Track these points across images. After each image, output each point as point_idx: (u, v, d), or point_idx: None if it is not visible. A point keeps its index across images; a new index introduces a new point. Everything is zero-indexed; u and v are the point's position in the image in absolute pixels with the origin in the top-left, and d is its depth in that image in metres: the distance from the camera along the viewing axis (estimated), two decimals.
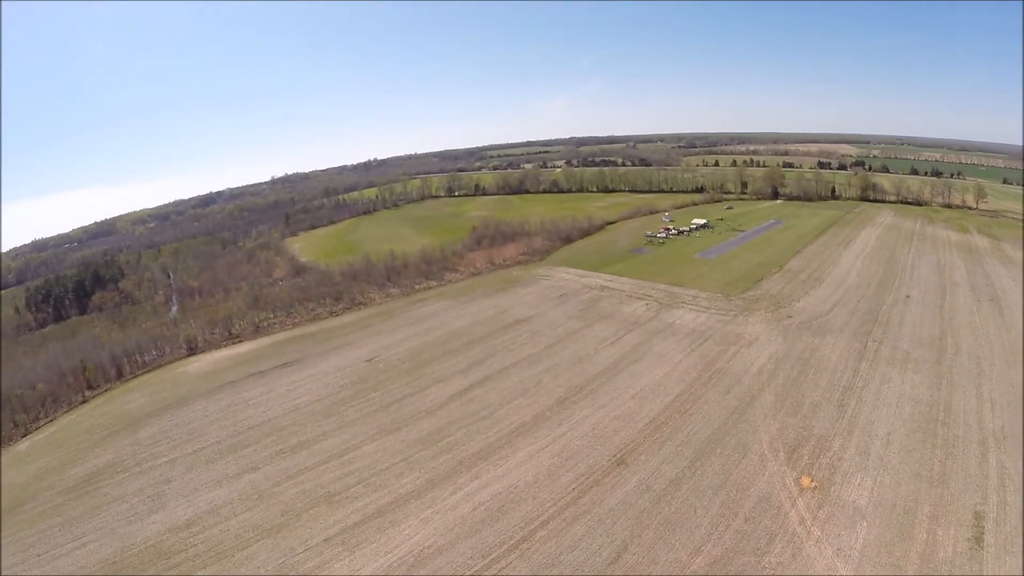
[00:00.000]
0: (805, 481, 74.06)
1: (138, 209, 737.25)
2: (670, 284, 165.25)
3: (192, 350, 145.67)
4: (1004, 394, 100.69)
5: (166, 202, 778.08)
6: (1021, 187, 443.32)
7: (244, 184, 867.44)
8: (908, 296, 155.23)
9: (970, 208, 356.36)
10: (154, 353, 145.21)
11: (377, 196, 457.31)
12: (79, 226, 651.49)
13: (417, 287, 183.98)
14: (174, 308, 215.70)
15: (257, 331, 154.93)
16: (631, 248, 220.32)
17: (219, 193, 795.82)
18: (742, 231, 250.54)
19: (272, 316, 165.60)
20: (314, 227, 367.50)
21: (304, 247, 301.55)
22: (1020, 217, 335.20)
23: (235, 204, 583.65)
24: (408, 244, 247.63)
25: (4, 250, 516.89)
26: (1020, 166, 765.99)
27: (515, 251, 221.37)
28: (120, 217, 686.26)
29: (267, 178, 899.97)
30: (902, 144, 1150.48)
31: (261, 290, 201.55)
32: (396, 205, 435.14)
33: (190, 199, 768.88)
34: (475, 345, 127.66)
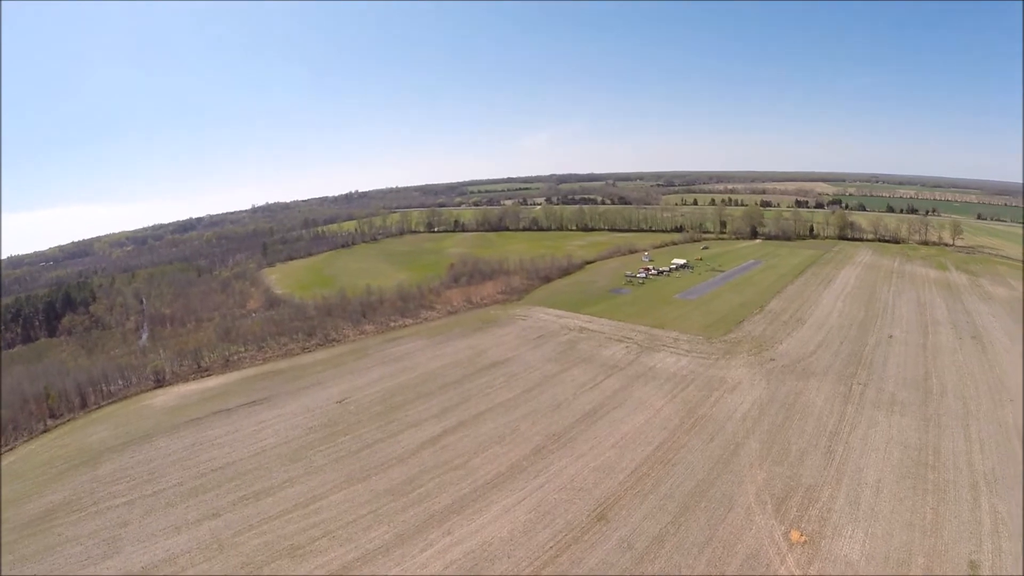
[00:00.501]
0: (795, 535, 72.31)
1: (117, 231, 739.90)
2: (650, 326, 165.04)
3: (159, 382, 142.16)
4: (992, 434, 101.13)
5: (145, 225, 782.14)
6: (1021, 225, 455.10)
7: (225, 211, 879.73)
8: (891, 336, 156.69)
9: (947, 244, 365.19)
10: (120, 383, 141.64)
11: (356, 229, 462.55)
12: (56, 244, 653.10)
13: (392, 325, 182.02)
14: (144, 336, 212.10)
15: (227, 365, 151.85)
16: (610, 288, 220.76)
17: (199, 219, 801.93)
18: (722, 271, 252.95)
19: (243, 350, 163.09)
20: (292, 258, 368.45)
21: (280, 279, 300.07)
22: (996, 252, 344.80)
23: (214, 231, 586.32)
24: (385, 279, 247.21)
25: None
26: (992, 202, 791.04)
27: (493, 290, 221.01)
28: (98, 238, 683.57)
29: (248, 206, 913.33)
30: (877, 182, 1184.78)
31: (234, 322, 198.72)
32: (375, 239, 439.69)
33: (170, 223, 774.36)
34: (450, 388, 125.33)
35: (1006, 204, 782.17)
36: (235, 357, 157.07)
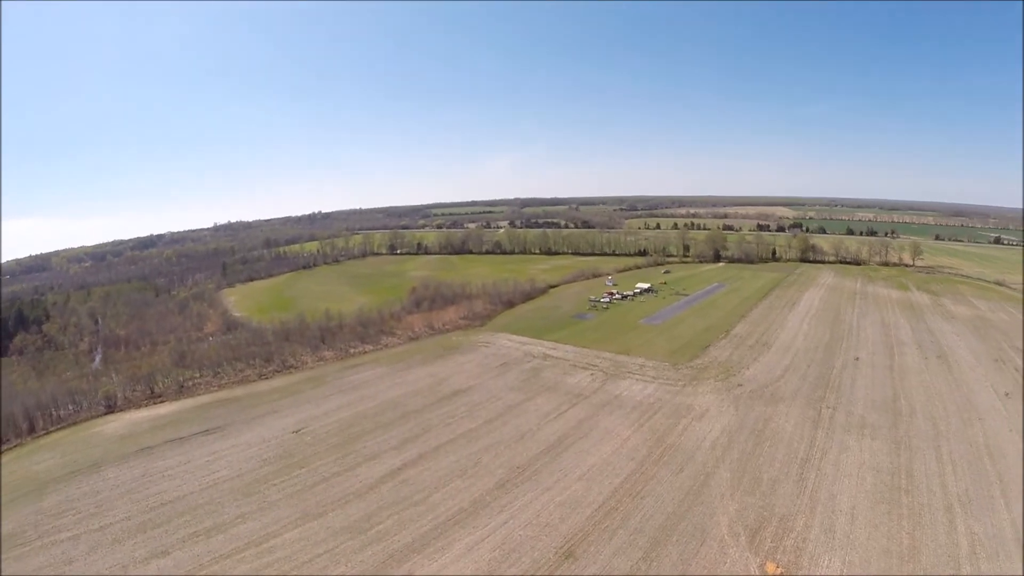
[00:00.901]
0: (770, 568, 70.24)
1: (76, 246, 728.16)
2: (615, 352, 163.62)
3: (110, 408, 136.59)
4: (964, 454, 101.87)
5: (105, 241, 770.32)
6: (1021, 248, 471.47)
7: (187, 228, 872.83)
8: (857, 358, 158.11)
9: (907, 265, 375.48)
10: (71, 408, 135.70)
11: (318, 250, 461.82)
12: (13, 258, 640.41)
13: (352, 351, 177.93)
14: (97, 359, 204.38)
15: (181, 391, 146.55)
16: (574, 313, 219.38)
17: (160, 236, 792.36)
18: (686, 295, 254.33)
19: (198, 375, 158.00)
20: (252, 279, 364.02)
21: (239, 300, 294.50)
22: (956, 271, 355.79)
23: (174, 249, 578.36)
24: (346, 303, 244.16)
25: None
26: (948, 223, 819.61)
27: (455, 315, 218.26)
28: (57, 252, 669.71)
29: (210, 224, 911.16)
30: (836, 205, 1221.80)
31: (189, 345, 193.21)
32: (337, 260, 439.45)
33: (130, 240, 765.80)
34: (410, 418, 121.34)
35: (962, 225, 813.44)
36: (189, 383, 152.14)
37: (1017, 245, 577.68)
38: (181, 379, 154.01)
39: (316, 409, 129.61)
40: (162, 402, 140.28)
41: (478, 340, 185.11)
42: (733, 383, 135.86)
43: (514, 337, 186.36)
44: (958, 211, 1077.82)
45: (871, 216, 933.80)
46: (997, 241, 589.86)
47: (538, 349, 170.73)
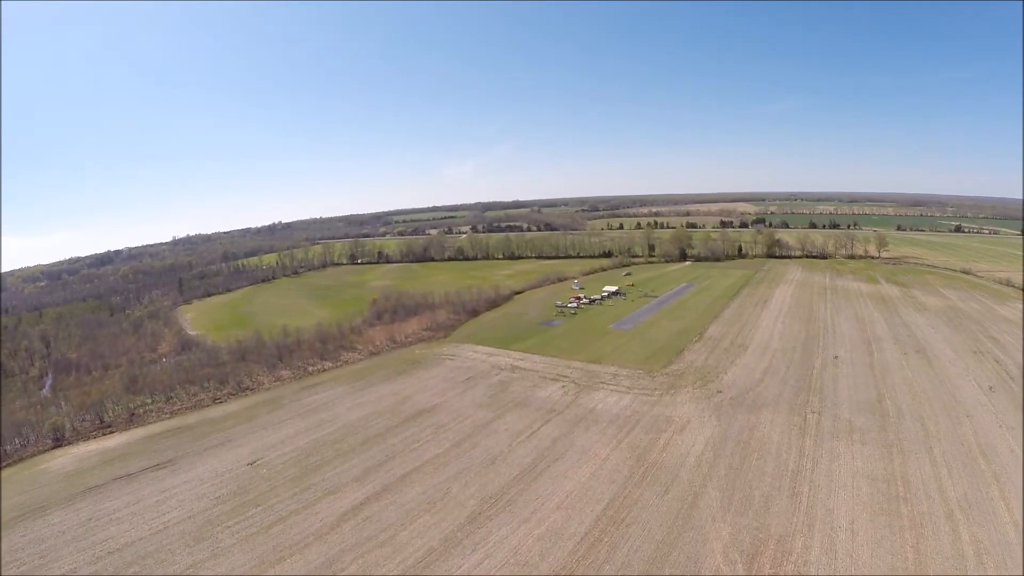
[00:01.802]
0: None
1: (32, 264, 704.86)
2: (587, 361, 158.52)
3: (58, 441, 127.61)
4: (957, 455, 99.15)
5: (62, 258, 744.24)
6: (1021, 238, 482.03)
7: (145, 243, 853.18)
8: (836, 357, 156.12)
9: (873, 257, 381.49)
10: (17, 442, 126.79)
11: (277, 262, 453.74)
12: None
13: (311, 369, 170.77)
14: (47, 385, 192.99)
15: (131, 419, 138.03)
16: (541, 320, 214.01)
17: (118, 252, 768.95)
18: (655, 297, 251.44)
19: (150, 401, 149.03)
20: (209, 295, 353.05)
21: (196, 317, 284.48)
22: (921, 262, 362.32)
23: (131, 265, 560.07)
24: (305, 317, 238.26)
25: None
26: (908, 213, 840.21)
27: (418, 326, 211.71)
28: (12, 272, 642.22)
29: (169, 238, 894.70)
30: (796, 200, 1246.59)
31: (142, 368, 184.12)
32: (296, 272, 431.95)
33: (87, 256, 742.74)
34: (372, 444, 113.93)
35: (921, 214, 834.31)
36: (141, 410, 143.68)
37: (978, 232, 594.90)
38: (132, 406, 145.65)
39: (272, 436, 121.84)
40: (112, 433, 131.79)
41: (442, 352, 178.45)
42: (712, 390, 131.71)
43: (480, 348, 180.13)
44: (916, 201, 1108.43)
45: (832, 209, 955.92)
46: (958, 229, 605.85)
47: (505, 360, 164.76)
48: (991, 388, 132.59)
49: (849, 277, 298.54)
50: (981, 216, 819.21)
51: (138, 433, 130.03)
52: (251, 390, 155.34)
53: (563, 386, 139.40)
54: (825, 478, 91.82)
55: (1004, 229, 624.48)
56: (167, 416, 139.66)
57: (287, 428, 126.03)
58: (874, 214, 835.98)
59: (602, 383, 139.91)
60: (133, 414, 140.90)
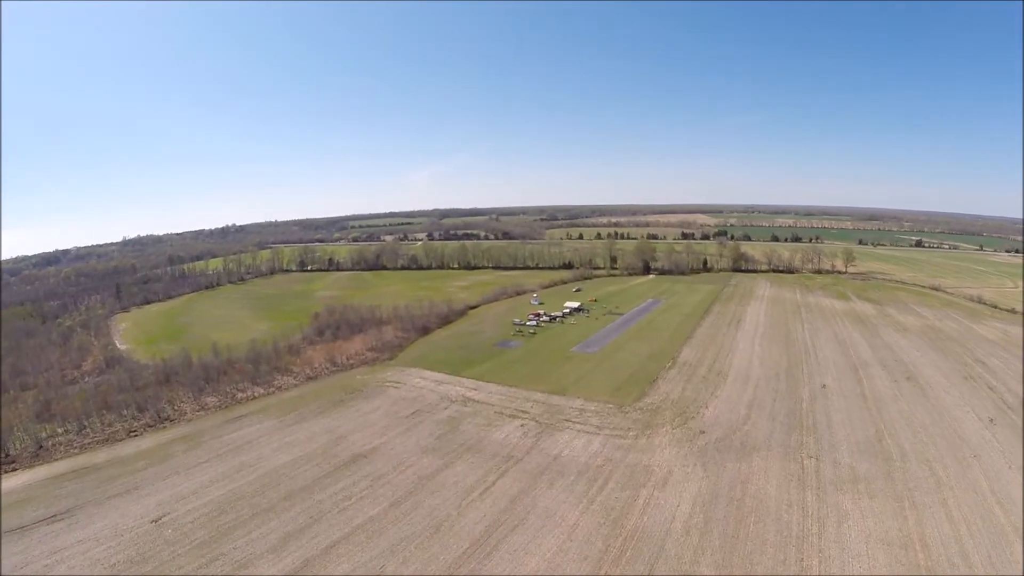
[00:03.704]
0: None
1: None
2: (549, 392, 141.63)
3: None
4: (973, 507, 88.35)
5: (8, 257, 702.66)
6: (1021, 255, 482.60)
7: (94, 243, 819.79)
8: (824, 386, 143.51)
9: (840, 272, 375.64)
10: None
11: (223, 268, 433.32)
12: None
13: (240, 396, 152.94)
14: None
15: (38, 454, 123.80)
16: (497, 341, 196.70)
17: (65, 252, 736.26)
18: (621, 314, 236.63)
19: (61, 431, 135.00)
20: (149, 302, 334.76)
21: (130, 328, 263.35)
22: (889, 277, 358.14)
23: (74, 267, 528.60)
24: (243, 331, 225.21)
25: None
26: (865, 227, 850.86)
27: (362, 345, 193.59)
28: None
29: (119, 238, 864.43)
30: (753, 212, 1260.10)
31: (58, 390, 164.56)
32: (242, 279, 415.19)
33: (33, 256, 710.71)
34: (296, 500, 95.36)
35: (879, 229, 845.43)
36: (50, 442, 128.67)
37: (939, 247, 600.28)
38: (42, 436, 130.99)
39: (185, 484, 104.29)
40: (15, 470, 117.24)
41: (386, 379, 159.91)
42: (693, 429, 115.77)
43: (428, 374, 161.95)
44: (872, 215, 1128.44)
45: (791, 221, 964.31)
46: (919, 244, 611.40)
47: (456, 390, 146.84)
48: (992, 420, 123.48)
49: (820, 293, 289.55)
50: (938, 231, 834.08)
51: (40, 472, 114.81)
52: (171, 421, 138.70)
53: (522, 424, 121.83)
54: (835, 545, 77.26)
55: (962, 244, 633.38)
56: (76, 451, 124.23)
57: (203, 473, 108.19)
58: (833, 228, 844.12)
59: (567, 421, 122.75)
60: (41, 447, 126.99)
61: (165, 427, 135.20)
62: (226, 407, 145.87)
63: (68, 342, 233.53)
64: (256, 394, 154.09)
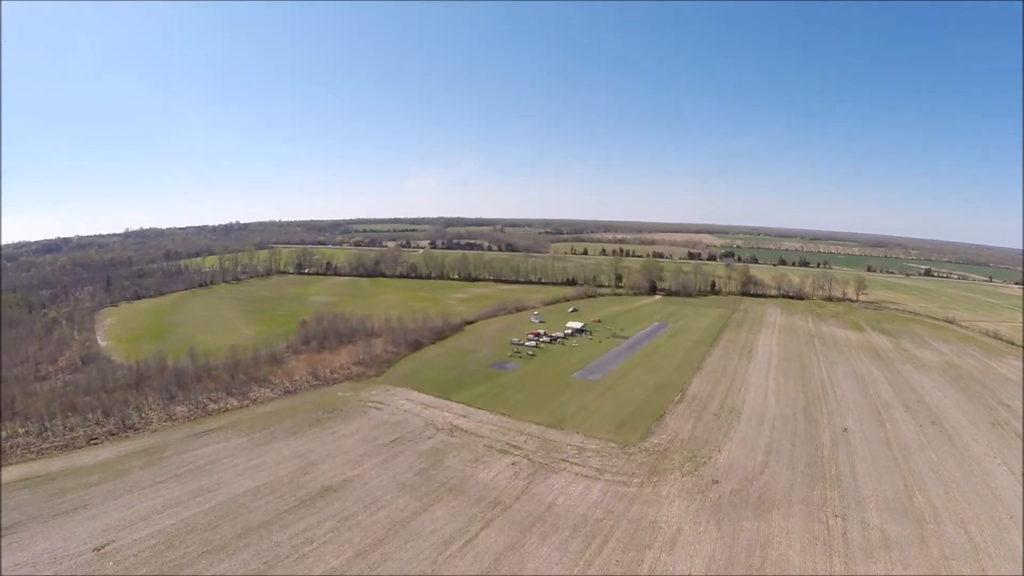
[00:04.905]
0: None
1: None
2: (545, 424, 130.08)
3: None
4: None
5: (9, 242, 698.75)
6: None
7: (96, 233, 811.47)
8: (845, 429, 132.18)
9: (851, 300, 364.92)
10: None
11: (219, 266, 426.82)
12: None
13: (211, 406, 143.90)
14: None
15: None
16: (493, 362, 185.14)
17: (66, 240, 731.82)
18: (626, 337, 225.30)
19: (22, 431, 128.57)
20: (140, 297, 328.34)
21: (115, 324, 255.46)
22: (901, 307, 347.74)
23: (72, 256, 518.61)
24: (229, 334, 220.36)
25: None
26: (872, 253, 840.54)
27: (348, 358, 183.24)
28: None
29: (122, 230, 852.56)
30: (759, 234, 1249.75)
31: (28, 386, 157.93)
32: (238, 279, 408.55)
33: (35, 242, 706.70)
34: (252, 539, 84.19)
35: (886, 255, 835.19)
36: (9, 444, 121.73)
37: (948, 277, 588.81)
38: (2, 436, 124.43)
39: (137, 507, 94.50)
40: None
41: (369, 398, 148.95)
42: (705, 478, 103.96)
43: (415, 396, 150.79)
44: (877, 242, 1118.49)
45: (798, 245, 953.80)
46: (928, 273, 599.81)
47: (444, 416, 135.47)
48: None
49: (833, 323, 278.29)
50: (945, 260, 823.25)
51: None
52: (135, 430, 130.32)
53: (513, 463, 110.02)
54: None
55: (971, 275, 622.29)
56: (32, 456, 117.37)
57: (157, 495, 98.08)
58: (840, 253, 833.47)
59: (564, 460, 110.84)
60: None
61: (128, 436, 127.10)
62: (195, 419, 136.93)
63: (49, 335, 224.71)
64: (229, 406, 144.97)
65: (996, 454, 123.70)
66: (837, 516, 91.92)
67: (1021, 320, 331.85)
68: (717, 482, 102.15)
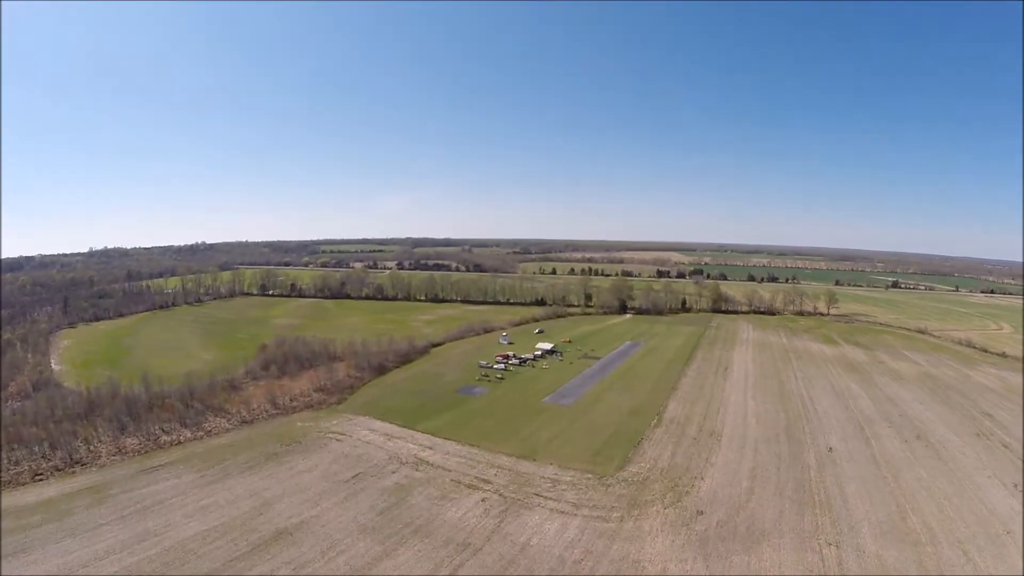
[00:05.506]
0: None
1: None
2: (516, 455, 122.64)
3: None
4: None
5: None
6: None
7: (59, 252, 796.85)
8: (831, 449, 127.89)
9: (823, 314, 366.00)
10: None
11: (180, 287, 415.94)
12: None
13: (163, 438, 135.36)
14: None
15: None
16: (460, 386, 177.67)
17: (29, 258, 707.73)
18: (597, 358, 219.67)
19: None
20: (99, 319, 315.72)
21: (71, 347, 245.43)
22: (871, 319, 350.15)
23: (32, 275, 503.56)
24: (186, 359, 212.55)
25: None
26: (839, 267, 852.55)
27: (309, 384, 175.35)
28: None
29: (86, 248, 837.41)
30: (727, 251, 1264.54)
31: None
32: (200, 301, 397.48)
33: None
34: None
35: (852, 269, 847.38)
36: None
37: (915, 288, 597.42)
38: None
39: (78, 552, 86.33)
40: None
41: (330, 428, 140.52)
42: (689, 509, 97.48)
43: (378, 425, 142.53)
44: (844, 255, 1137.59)
45: (765, 261, 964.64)
46: (895, 285, 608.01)
47: (408, 448, 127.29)
48: (1016, 486, 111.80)
49: (806, 337, 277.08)
50: (911, 272, 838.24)
51: None
52: (82, 465, 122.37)
53: (484, 499, 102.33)
54: None
55: (937, 285, 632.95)
56: None
57: (100, 540, 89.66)
58: (807, 268, 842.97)
59: (538, 495, 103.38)
60: None
61: (75, 472, 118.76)
62: (146, 452, 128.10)
63: (1, 358, 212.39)
64: (182, 438, 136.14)
65: (985, 466, 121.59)
66: (831, 544, 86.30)
67: (993, 328, 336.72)
68: (702, 513, 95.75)
